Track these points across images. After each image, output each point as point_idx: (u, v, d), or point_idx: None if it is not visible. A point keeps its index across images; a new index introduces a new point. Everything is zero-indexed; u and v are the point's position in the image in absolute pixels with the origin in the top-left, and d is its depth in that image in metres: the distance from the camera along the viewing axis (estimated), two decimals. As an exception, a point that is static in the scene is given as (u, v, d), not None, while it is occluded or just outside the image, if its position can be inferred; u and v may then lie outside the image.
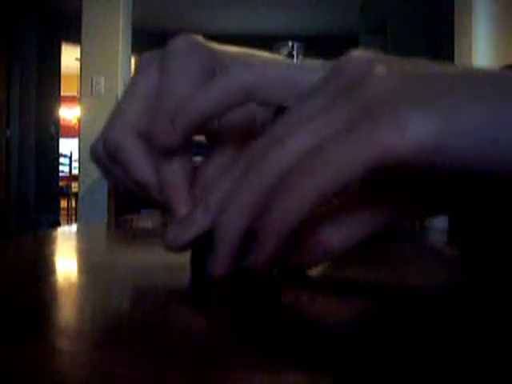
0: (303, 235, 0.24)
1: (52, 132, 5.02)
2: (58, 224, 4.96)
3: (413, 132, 0.18)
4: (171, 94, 0.25)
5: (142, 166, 0.26)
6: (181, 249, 0.25)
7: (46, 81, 4.81)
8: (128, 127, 0.26)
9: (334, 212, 0.24)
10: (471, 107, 0.18)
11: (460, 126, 0.18)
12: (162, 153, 0.25)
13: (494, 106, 0.18)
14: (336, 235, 0.24)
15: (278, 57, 0.26)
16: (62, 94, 5.27)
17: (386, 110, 0.18)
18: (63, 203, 5.61)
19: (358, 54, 0.22)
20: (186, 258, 0.26)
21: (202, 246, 0.24)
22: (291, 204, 0.20)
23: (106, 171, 0.28)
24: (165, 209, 0.26)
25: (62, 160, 5.56)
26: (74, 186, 5.19)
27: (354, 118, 0.19)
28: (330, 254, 0.24)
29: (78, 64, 3.65)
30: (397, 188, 0.23)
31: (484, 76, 0.19)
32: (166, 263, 0.29)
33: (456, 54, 3.52)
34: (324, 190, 0.19)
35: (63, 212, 5.64)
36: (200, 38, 0.27)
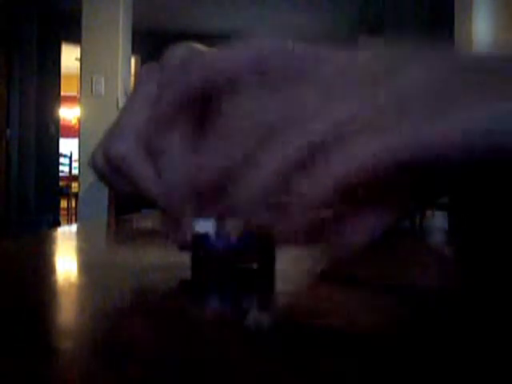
0: (324, 229, 0.23)
1: (52, 132, 5.01)
2: (58, 224, 4.96)
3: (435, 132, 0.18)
4: (169, 104, 0.26)
5: (148, 178, 0.26)
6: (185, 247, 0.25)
7: (46, 81, 4.81)
8: (129, 138, 0.26)
9: (354, 205, 0.24)
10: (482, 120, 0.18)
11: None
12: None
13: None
14: (358, 227, 0.24)
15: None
16: (62, 93, 5.27)
17: (413, 110, 0.19)
18: (63, 203, 5.61)
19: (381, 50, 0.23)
20: (185, 258, 0.26)
21: (203, 247, 0.24)
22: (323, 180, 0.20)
23: (105, 179, 0.28)
24: (167, 212, 0.26)
25: (62, 160, 5.56)
26: (74, 186, 5.19)
27: (382, 110, 0.20)
28: (352, 247, 0.24)
29: (77, 64, 3.65)
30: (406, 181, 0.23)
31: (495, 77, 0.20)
32: (165, 263, 0.29)
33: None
34: (347, 178, 0.19)
35: (63, 212, 5.63)
36: (199, 47, 0.27)
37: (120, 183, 0.27)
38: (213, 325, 0.18)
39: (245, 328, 0.20)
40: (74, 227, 0.60)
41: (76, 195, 4.05)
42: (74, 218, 5.29)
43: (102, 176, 0.28)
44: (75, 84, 4.02)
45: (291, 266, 0.26)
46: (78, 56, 3.60)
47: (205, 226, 0.26)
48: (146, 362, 0.13)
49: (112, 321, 0.18)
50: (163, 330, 0.16)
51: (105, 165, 0.27)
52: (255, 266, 0.25)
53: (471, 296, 0.23)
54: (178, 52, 0.27)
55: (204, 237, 0.25)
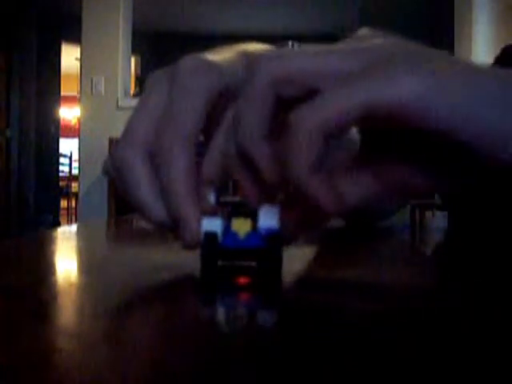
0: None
1: (52, 132, 5.02)
2: (58, 224, 4.96)
3: (404, 87, 0.20)
4: (178, 115, 0.26)
5: (143, 187, 0.26)
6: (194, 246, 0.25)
7: (46, 81, 4.81)
8: (134, 145, 0.26)
9: (350, 167, 0.24)
10: (458, 78, 0.20)
11: (446, 90, 0.20)
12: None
13: (481, 80, 0.20)
14: (353, 188, 0.24)
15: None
16: (62, 93, 5.27)
17: (386, 65, 0.21)
18: (63, 203, 5.61)
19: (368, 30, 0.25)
20: (184, 258, 0.26)
21: (212, 246, 0.24)
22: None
23: (114, 181, 0.28)
24: (161, 227, 0.26)
25: (62, 160, 5.56)
26: (74, 186, 5.19)
27: (360, 66, 0.22)
28: (346, 207, 0.24)
29: (77, 64, 3.65)
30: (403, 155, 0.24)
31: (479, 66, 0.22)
32: (165, 263, 0.29)
33: (456, 53, 3.52)
34: (326, 124, 0.20)
35: (63, 212, 5.63)
36: (209, 57, 0.28)
37: (120, 187, 0.27)
38: (218, 325, 0.18)
39: (251, 328, 0.20)
40: (73, 227, 0.60)
41: (76, 195, 4.05)
42: (73, 218, 5.29)
43: (110, 178, 0.28)
44: (75, 84, 4.02)
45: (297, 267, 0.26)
46: (78, 56, 3.60)
47: (213, 224, 0.25)
48: (146, 362, 0.13)
49: (116, 320, 0.18)
50: (164, 330, 0.16)
51: (111, 167, 0.27)
52: (260, 265, 0.25)
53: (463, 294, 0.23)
54: (188, 62, 0.27)
55: (213, 236, 0.25)
